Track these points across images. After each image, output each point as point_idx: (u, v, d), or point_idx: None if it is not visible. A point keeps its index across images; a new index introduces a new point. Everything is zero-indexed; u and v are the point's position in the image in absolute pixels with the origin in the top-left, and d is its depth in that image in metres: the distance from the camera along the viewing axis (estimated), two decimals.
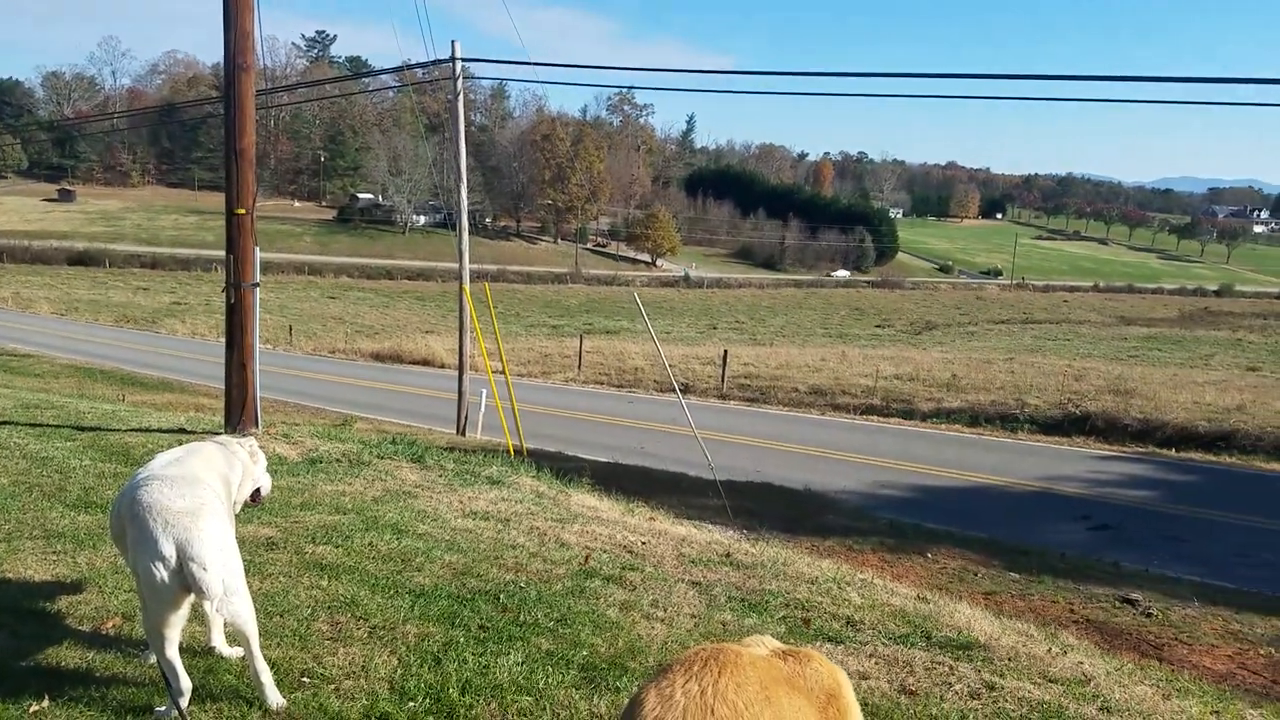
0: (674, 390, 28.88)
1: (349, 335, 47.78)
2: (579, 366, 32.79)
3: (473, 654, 4.10)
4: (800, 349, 43.48)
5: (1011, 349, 48.66)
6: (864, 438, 20.61)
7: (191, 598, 3.42)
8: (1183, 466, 18.46)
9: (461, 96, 20.71)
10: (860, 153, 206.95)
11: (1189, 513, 14.62)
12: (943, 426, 22.71)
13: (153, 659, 3.88)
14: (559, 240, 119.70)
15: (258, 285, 9.31)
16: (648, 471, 15.24)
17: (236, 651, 4.00)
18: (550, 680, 3.88)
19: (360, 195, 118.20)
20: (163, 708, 3.44)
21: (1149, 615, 9.04)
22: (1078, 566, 11.13)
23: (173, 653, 3.46)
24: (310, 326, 51.71)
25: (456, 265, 20.60)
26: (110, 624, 4.24)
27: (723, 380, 28.45)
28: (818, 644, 4.67)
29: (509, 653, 4.13)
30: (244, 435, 6.45)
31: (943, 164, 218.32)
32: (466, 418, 20.13)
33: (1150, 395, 24.75)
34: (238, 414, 9.36)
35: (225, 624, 3.44)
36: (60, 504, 6.32)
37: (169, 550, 3.35)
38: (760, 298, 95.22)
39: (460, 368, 20.73)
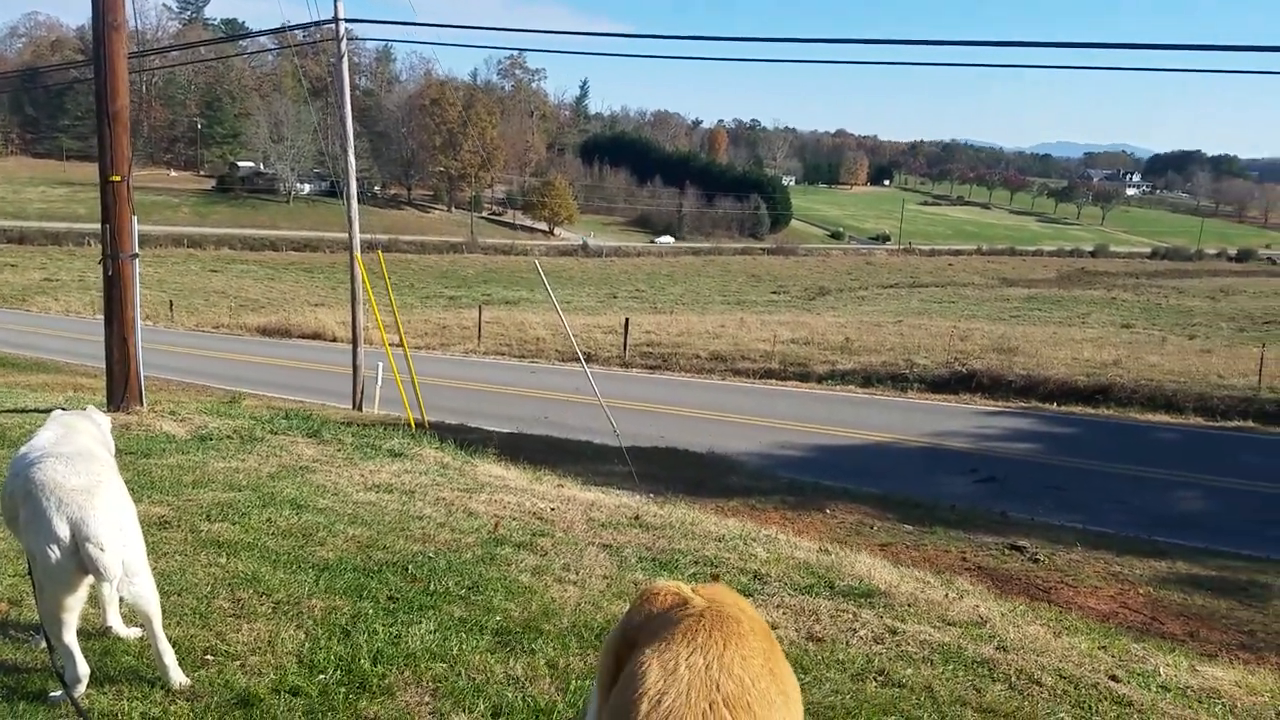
0: (577, 360, 28.88)
1: (233, 309, 45.94)
2: (479, 337, 32.41)
3: (383, 625, 4.04)
4: (700, 316, 43.97)
5: (900, 312, 50.36)
6: (763, 401, 21.06)
7: (89, 579, 3.25)
8: (1063, 419, 19.51)
9: (346, 59, 19.93)
10: (753, 120, 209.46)
11: (1069, 463, 15.48)
12: (837, 388, 23.41)
13: (44, 644, 3.68)
14: (453, 209, 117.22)
15: (137, 256, 8.84)
16: (553, 441, 15.23)
17: (134, 632, 3.84)
18: (464, 646, 3.85)
19: (240, 164, 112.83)
20: (57, 693, 3.27)
21: (1036, 561, 9.55)
22: (967, 517, 11.66)
23: (70, 637, 3.29)
24: (192, 301, 49.40)
25: (345, 235, 19.96)
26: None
27: (625, 348, 28.56)
28: None
29: (420, 622, 4.09)
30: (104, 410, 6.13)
31: (832, 131, 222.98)
32: (362, 392, 19.64)
33: (1032, 353, 26.07)
34: (121, 391, 8.90)
35: (124, 604, 3.27)
36: None
37: (63, 530, 3.16)
38: (659, 266, 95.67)
39: (354, 341, 20.18)
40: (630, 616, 2.18)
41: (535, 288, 71.06)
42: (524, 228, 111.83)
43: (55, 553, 3.15)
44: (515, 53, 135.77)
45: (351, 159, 20.60)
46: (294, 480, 6.81)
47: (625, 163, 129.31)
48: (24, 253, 72.42)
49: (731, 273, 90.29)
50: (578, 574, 4.99)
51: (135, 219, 8.76)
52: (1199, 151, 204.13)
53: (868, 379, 24.10)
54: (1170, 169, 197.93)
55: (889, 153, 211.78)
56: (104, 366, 9.31)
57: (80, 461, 3.38)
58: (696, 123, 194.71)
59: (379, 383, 19.03)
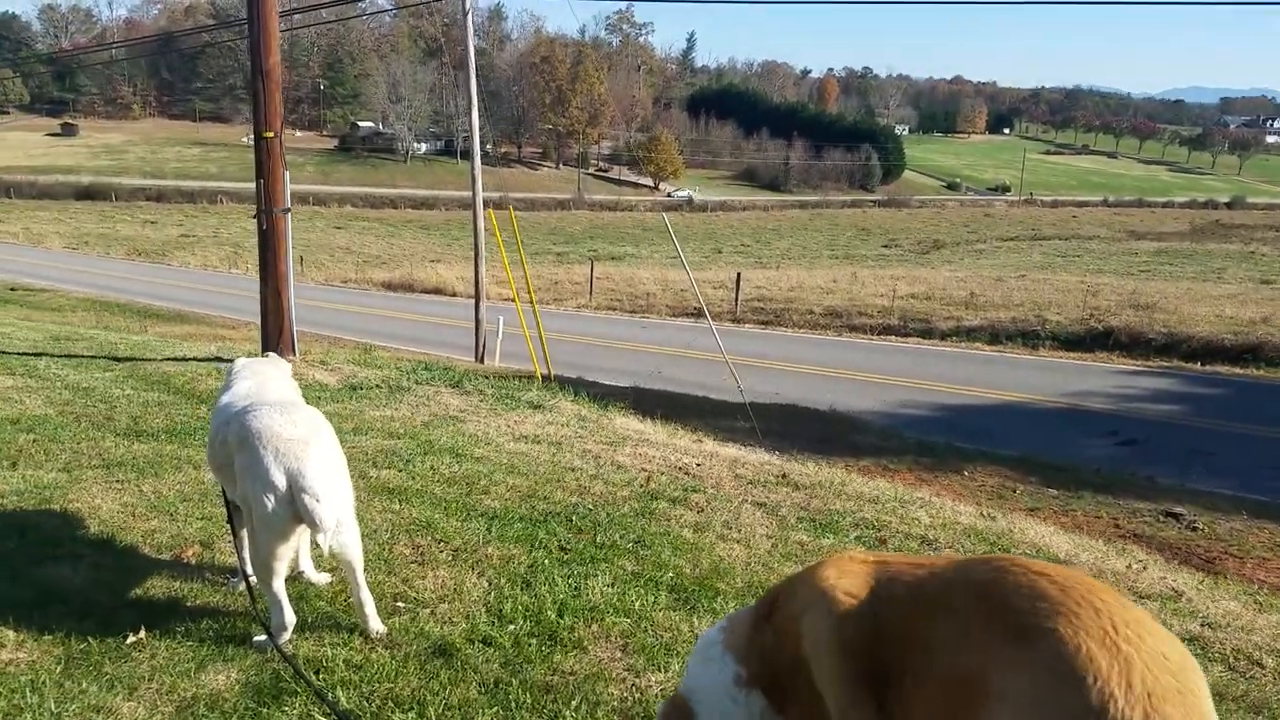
0: (688, 315, 28.78)
1: (358, 265, 47.45)
2: (590, 293, 32.58)
3: (561, 576, 4.04)
4: (809, 271, 43.12)
5: (1021, 266, 48.20)
6: (883, 358, 20.49)
7: (302, 528, 3.32)
8: (1209, 380, 18.35)
9: (470, 16, 19.99)
10: (865, 68, 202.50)
11: (1217, 426, 14.53)
12: (963, 345, 22.58)
13: (241, 586, 3.82)
14: (560, 166, 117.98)
15: (289, 210, 9.10)
16: (672, 395, 15.17)
17: (325, 578, 3.94)
18: (644, 602, 3.82)
19: (361, 124, 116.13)
20: (261, 638, 3.37)
21: (1195, 529, 8.99)
22: (1113, 481, 11.08)
23: (279, 585, 3.37)
24: (319, 257, 51.29)
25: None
26: (190, 552, 4.18)
27: (736, 303, 28.25)
28: None
29: (596, 574, 4.07)
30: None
31: (949, 78, 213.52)
32: (484, 345, 20.01)
33: (1171, 310, 24.53)
34: (275, 342, 9.24)
35: (329, 552, 3.34)
36: (111, 433, 6.24)
37: (281, 480, 3.22)
38: (765, 220, 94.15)
39: (476, 295, 20.51)
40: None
41: (641, 243, 71.07)
42: (629, 184, 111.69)
43: (272, 501, 3.21)
44: (624, 6, 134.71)
45: (475, 117, 20.72)
46: (447, 429, 6.94)
47: (732, 115, 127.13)
48: (163, 210, 76.54)
49: (840, 226, 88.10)
50: (740, 532, 4.90)
51: (288, 174, 9.00)
52: None
53: (995, 336, 23.16)
54: None
55: (1009, 100, 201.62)
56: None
57: (296, 411, 3.44)
58: (805, 72, 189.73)
59: (500, 336, 19.36)
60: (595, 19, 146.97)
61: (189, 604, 3.66)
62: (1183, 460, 12.55)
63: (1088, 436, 14.08)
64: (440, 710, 2.93)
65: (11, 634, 3.30)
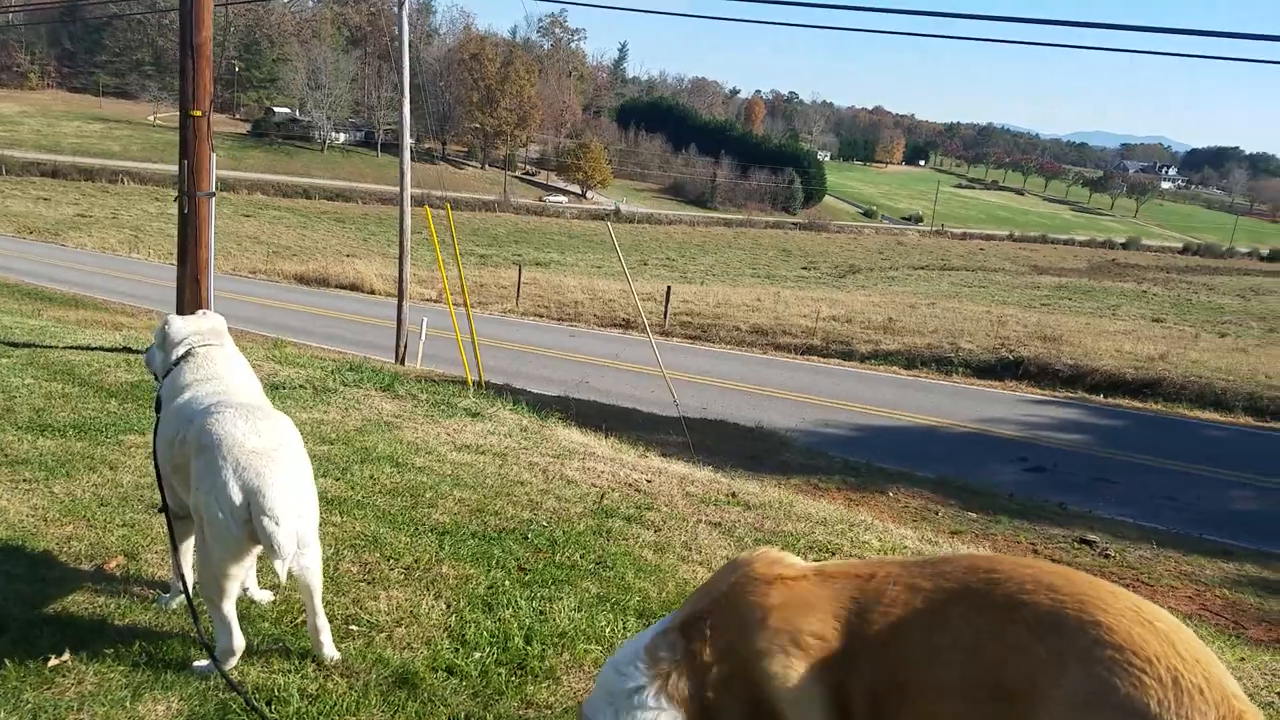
0: (615, 325, 28.63)
1: (268, 255, 45.82)
2: (517, 298, 32.16)
3: (523, 598, 3.82)
4: (733, 288, 43.53)
5: (931, 294, 49.68)
6: (806, 377, 20.74)
7: (258, 549, 3.03)
8: (1112, 412, 19.11)
9: (406, 5, 19.47)
10: (791, 92, 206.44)
11: (1119, 456, 15.14)
12: (880, 368, 23.04)
13: (174, 603, 3.49)
14: (486, 166, 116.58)
15: (214, 194, 8.61)
16: (603, 407, 15.00)
17: (268, 595, 3.64)
18: (614, 628, 3.63)
19: (276, 109, 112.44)
20: (203, 663, 3.06)
21: (1107, 556, 9.27)
22: (1027, 507, 11.38)
23: (229, 607, 3.05)
24: (225, 245, 49.27)
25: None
26: (114, 563, 3.81)
27: (665, 316, 28.25)
28: None
29: (561, 597, 3.87)
30: None
31: (870, 108, 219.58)
32: (406, 346, 19.46)
33: (1076, 343, 25.54)
34: None
35: (288, 576, 3.04)
36: (12, 426, 5.74)
37: (237, 497, 2.92)
38: (690, 235, 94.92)
39: (400, 294, 19.98)
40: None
41: (567, 250, 70.71)
42: (556, 189, 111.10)
43: (226, 519, 2.91)
44: (557, 10, 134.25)
45: (406, 110, 20.17)
46: (383, 435, 6.61)
47: (661, 129, 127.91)
48: (58, 187, 72.52)
49: (762, 246, 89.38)
50: (700, 554, 4.76)
51: (214, 156, 8.52)
52: (1237, 148, 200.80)
53: (911, 361, 23.72)
54: (1206, 164, 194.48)
55: (925, 132, 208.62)
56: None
57: (261, 418, 3.12)
58: (734, 92, 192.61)
59: (422, 338, 18.85)
60: (527, 20, 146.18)
61: (117, 622, 3.31)
62: (1088, 488, 13.03)
63: (998, 462, 14.48)
64: None
65: None
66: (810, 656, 1.97)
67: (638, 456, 7.50)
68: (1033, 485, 13.04)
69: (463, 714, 2.87)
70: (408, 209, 19.63)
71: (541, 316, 29.69)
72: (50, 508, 4.32)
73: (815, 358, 24.07)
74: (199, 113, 8.33)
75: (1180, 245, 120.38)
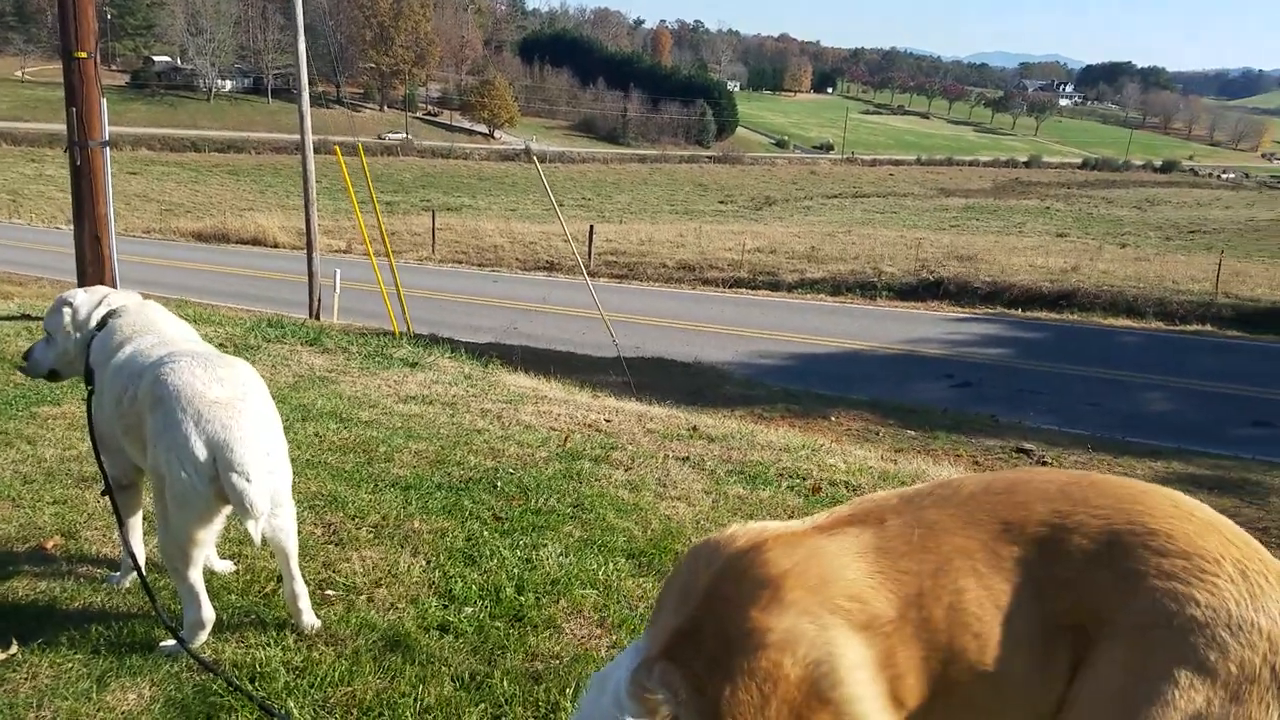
0: (539, 268, 28.15)
1: (160, 214, 43.57)
2: (433, 245, 31.30)
3: (505, 548, 3.63)
4: (654, 225, 43.24)
5: (846, 222, 50.37)
6: (737, 310, 20.79)
7: (228, 510, 2.75)
8: (1031, 325, 19.71)
9: None
10: (696, 21, 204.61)
11: (1041, 367, 15.67)
12: (808, 296, 23.27)
13: (126, 582, 3.19)
14: (385, 108, 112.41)
15: (108, 144, 7.95)
16: (537, 351, 14.74)
17: (228, 565, 3.36)
18: (604, 570, 3.47)
19: (156, 58, 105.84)
20: (170, 644, 2.79)
21: (1045, 463, 9.57)
22: (960, 422, 11.67)
23: (196, 576, 2.78)
24: (113, 205, 46.64)
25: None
26: (51, 544, 3.48)
27: (589, 257, 27.87)
28: None
29: (544, 544, 3.69)
30: None
31: (776, 35, 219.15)
32: (320, 301, 18.69)
33: (992, 260, 26.20)
34: None
35: (261, 539, 2.78)
36: None
37: (202, 452, 2.62)
38: (605, 173, 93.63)
39: (309, 246, 19.06)
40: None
41: (479, 194, 69.09)
42: (462, 130, 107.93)
43: (191, 478, 2.62)
44: None
45: (302, 48, 18.99)
46: (319, 391, 6.27)
47: (567, 63, 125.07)
48: None
49: (678, 181, 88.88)
50: (677, 490, 4.63)
51: (105, 101, 7.84)
52: (1129, 63, 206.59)
53: (837, 287, 24.03)
54: (1101, 80, 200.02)
55: (832, 59, 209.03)
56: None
57: (220, 365, 2.81)
58: (639, 22, 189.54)
59: (337, 291, 18.15)
60: None
61: (66, 606, 3.01)
62: (1015, 399, 13.46)
63: (928, 380, 14.83)
64: (418, 713, 2.50)
65: None
66: (853, 621, 1.59)
67: (590, 397, 7.32)
68: (963, 400, 13.39)
69: (466, 673, 2.69)
70: (309, 155, 18.64)
71: (460, 263, 28.99)
72: None
73: (744, 290, 24.14)
74: (84, 54, 7.62)
75: (1079, 161, 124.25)
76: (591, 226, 29.92)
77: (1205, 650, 1.53)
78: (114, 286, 8.20)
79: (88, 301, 3.28)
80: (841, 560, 1.65)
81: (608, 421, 6.13)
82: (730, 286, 24.53)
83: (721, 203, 71.23)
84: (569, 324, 18.16)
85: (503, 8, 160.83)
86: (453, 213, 50.71)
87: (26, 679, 2.55)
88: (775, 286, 24.35)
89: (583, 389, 8.29)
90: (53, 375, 3.37)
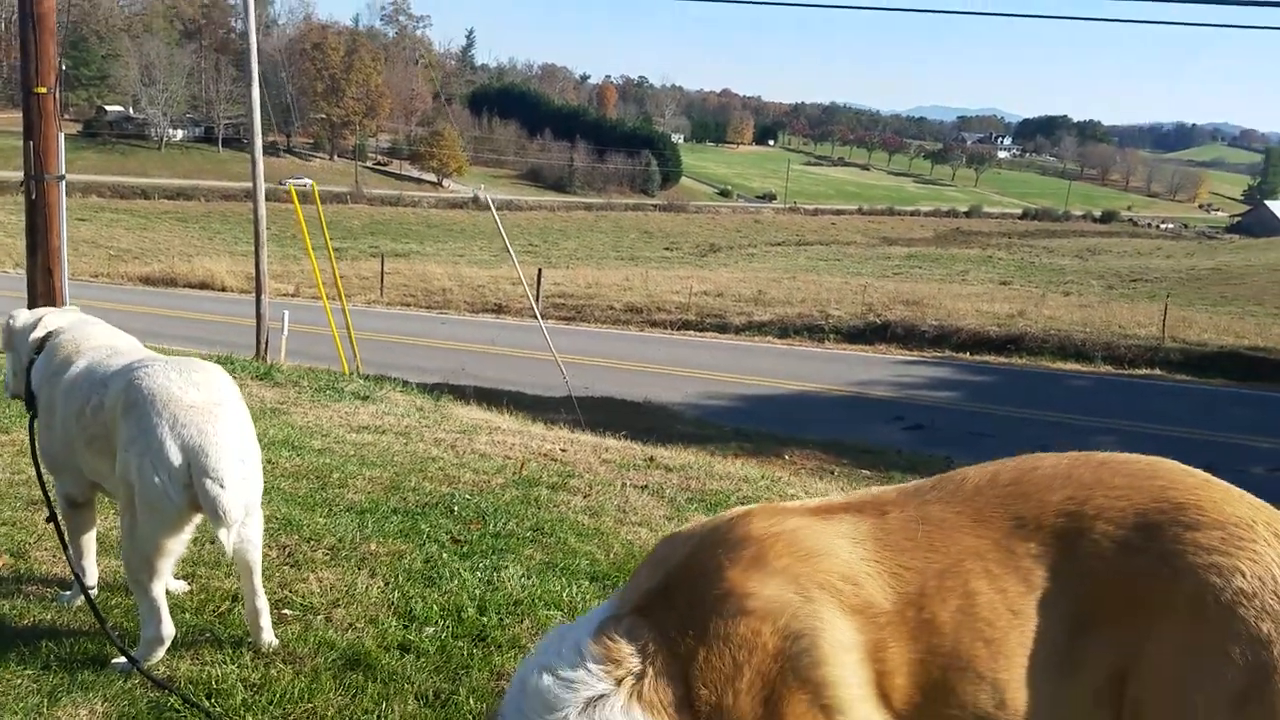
0: (487, 310, 28.07)
1: (108, 259, 42.68)
2: (381, 288, 31.08)
3: (465, 570, 3.59)
4: (600, 270, 43.49)
5: (790, 269, 51.11)
6: (685, 351, 20.91)
7: (198, 519, 2.69)
8: (979, 368, 20.08)
9: None
10: (641, 76, 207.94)
11: (990, 410, 15.89)
12: (756, 339, 23.52)
13: (77, 601, 3.09)
14: (335, 157, 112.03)
15: (64, 178, 7.84)
16: (487, 391, 14.66)
17: (182, 585, 3.27)
18: (569, 592, 3.45)
19: (109, 107, 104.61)
20: (120, 660, 2.70)
21: None
22: (915, 462, 11.80)
23: (160, 590, 2.72)
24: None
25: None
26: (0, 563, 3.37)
27: (537, 299, 27.89)
28: None
29: (505, 565, 3.65)
30: None
31: (718, 91, 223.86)
32: (268, 343, 18.38)
33: (938, 305, 26.75)
34: None
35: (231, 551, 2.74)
36: None
37: (176, 457, 2.58)
38: (552, 220, 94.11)
39: (258, 289, 18.80)
40: None
41: (426, 240, 68.90)
42: (411, 179, 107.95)
43: (164, 484, 2.57)
44: None
45: (256, 93, 18.90)
46: (271, 421, 6.16)
47: (515, 115, 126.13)
48: None
49: (624, 228, 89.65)
50: (637, 515, 4.63)
51: (62, 136, 7.75)
52: (1065, 117, 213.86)
53: (784, 330, 24.30)
54: (1039, 133, 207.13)
55: (773, 113, 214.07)
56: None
57: (195, 369, 2.79)
58: (584, 77, 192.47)
59: (285, 334, 17.89)
60: (369, 8, 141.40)
61: (13, 624, 2.90)
62: (965, 441, 13.62)
63: (878, 421, 14.96)
64: (406, 714, 2.44)
65: None
66: (844, 603, 1.49)
67: (544, 429, 7.31)
68: (915, 441, 13.51)
69: (430, 691, 2.64)
70: (261, 198, 18.48)
71: (409, 305, 28.83)
72: None
73: (691, 332, 24.32)
74: (44, 89, 7.54)
75: (1019, 211, 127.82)
76: (539, 270, 30.00)
77: (1258, 622, 1.47)
78: None
79: (27, 317, 3.25)
80: (836, 541, 1.55)
81: (563, 451, 6.12)
82: (678, 329, 24.72)
83: (667, 249, 71.94)
84: (518, 365, 18.12)
85: (452, 63, 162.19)
86: (401, 258, 50.50)
87: None
88: (723, 329, 24.58)
89: (535, 422, 8.27)
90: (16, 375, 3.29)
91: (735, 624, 1.45)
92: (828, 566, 1.51)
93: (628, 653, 1.46)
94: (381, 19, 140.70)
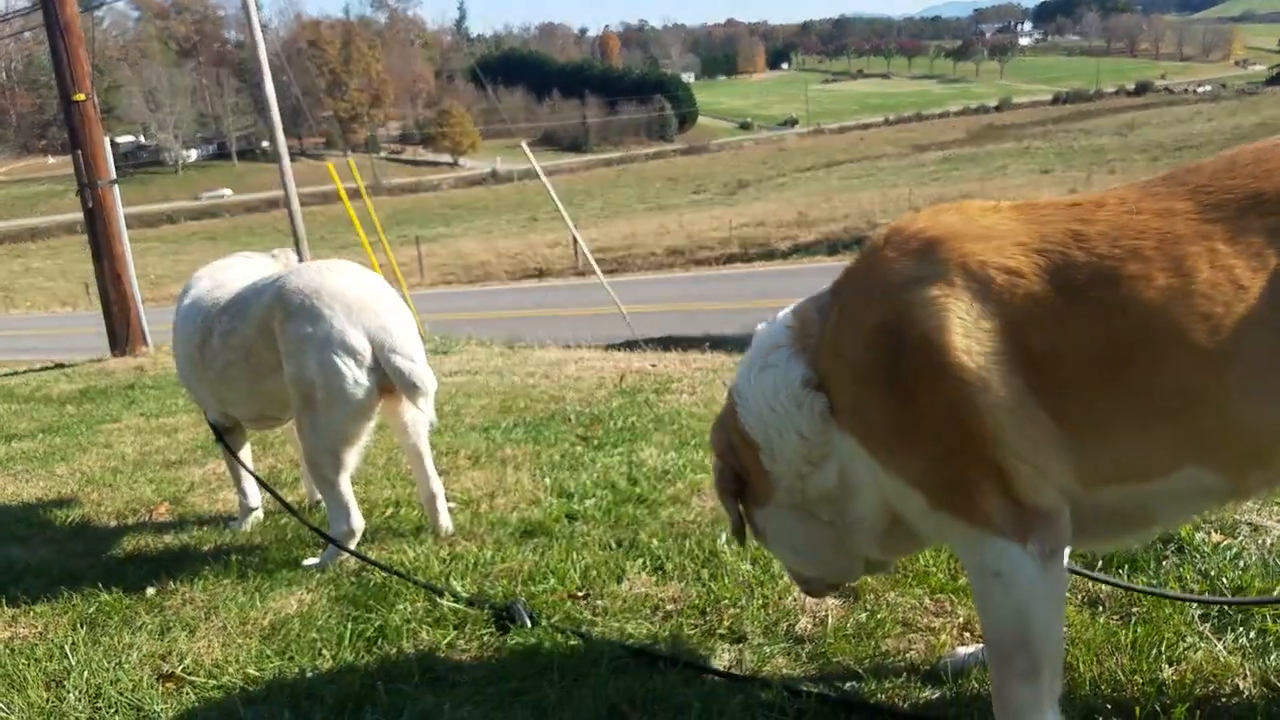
0: (530, 276, 28.17)
1: (148, 286, 43.65)
2: (421, 271, 31.37)
3: (602, 456, 3.67)
4: (631, 223, 43.32)
5: (825, 191, 50.33)
6: (735, 285, 20.77)
7: (380, 405, 2.81)
8: None
9: None
10: (641, 20, 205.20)
11: None
12: (804, 261, 23.27)
13: (246, 526, 3.23)
14: (349, 153, 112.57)
15: (116, 182, 8.01)
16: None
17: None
18: (710, 461, 3.50)
19: (120, 139, 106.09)
20: (313, 560, 2.83)
21: None
22: None
23: (346, 483, 2.85)
24: (94, 288, 46.65)
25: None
26: (161, 509, 3.56)
27: (575, 257, 27.94)
28: None
29: (640, 449, 3.72)
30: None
31: (722, 22, 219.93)
32: None
33: (989, 198, 26.15)
34: (124, 332, 8.17)
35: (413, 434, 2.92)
36: None
37: (362, 342, 2.68)
38: (573, 182, 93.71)
39: None
40: None
41: (453, 222, 69.10)
42: (427, 163, 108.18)
43: (352, 372, 2.68)
44: None
45: (272, 94, 18.86)
46: None
47: (520, 80, 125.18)
48: None
49: (647, 179, 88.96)
50: None
51: (109, 139, 7.91)
52: None
53: (833, 247, 24.04)
54: (1059, 13, 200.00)
55: (782, 36, 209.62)
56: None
57: (345, 268, 2.92)
58: (584, 31, 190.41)
59: None
60: None
61: (198, 549, 3.05)
62: None
63: None
64: (581, 572, 2.54)
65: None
66: (991, 292, 1.51)
67: (627, 353, 7.37)
68: None
69: (613, 541, 2.73)
70: (296, 212, 18.65)
71: (450, 284, 29.07)
72: (63, 486, 3.99)
73: (738, 265, 24.17)
74: (82, 96, 7.72)
75: (1050, 97, 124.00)
76: (574, 229, 29.95)
77: None
78: (140, 321, 8.23)
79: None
80: (1017, 235, 1.55)
81: (653, 366, 6.17)
82: (724, 263, 24.60)
83: (695, 193, 71.22)
84: (571, 323, 18.19)
85: (448, 38, 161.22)
86: (429, 243, 50.92)
87: (184, 603, 2.58)
88: (770, 256, 24.41)
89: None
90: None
91: (883, 299, 1.59)
92: (990, 257, 1.54)
93: (812, 318, 1.76)
94: (372, 6, 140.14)
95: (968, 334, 1.50)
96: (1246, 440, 1.51)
